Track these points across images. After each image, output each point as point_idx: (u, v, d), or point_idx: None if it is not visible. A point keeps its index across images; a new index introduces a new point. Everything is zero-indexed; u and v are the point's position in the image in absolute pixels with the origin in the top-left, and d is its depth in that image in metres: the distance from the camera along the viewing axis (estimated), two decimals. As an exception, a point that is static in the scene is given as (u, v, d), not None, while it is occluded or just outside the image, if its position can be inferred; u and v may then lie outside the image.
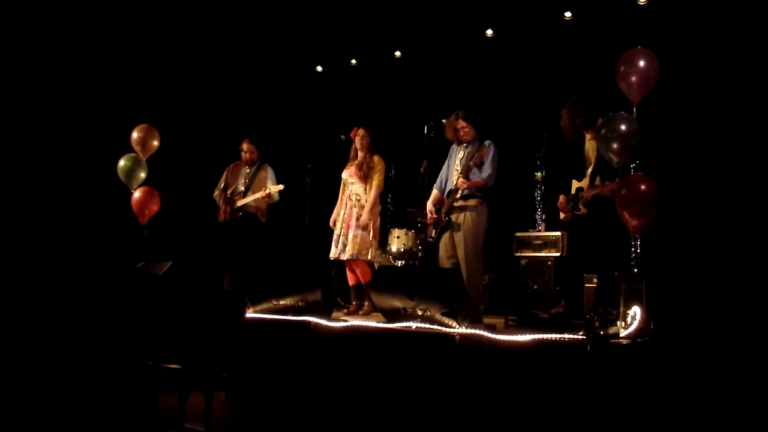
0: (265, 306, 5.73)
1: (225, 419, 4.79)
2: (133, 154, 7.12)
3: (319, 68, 8.61)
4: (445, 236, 5.71)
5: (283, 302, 5.69)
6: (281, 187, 6.67)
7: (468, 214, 5.63)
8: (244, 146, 7.00)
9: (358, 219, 6.09)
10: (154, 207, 7.09)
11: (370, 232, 6.15)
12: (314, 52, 8.48)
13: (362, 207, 6.10)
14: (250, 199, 6.81)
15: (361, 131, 6.18)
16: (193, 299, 5.44)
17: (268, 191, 6.71)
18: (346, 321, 5.20)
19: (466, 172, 5.65)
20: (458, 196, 5.63)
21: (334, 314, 5.75)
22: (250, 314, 5.66)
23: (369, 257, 6.17)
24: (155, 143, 7.16)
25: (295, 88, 8.79)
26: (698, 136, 5.59)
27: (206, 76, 8.60)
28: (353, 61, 8.30)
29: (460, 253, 5.61)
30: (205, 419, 4.38)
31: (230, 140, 7.57)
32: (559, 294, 5.79)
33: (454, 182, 5.71)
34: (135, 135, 7.11)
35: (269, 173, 7.01)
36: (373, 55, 8.10)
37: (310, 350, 5.07)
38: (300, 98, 8.83)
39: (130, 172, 7.08)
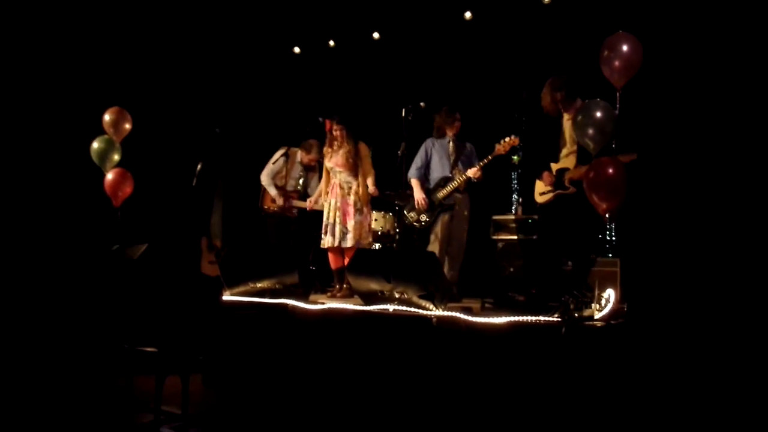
0: (241, 289, 5.72)
1: (201, 402, 4.79)
2: (106, 137, 7.07)
3: (297, 50, 8.55)
4: (443, 221, 6.00)
5: (260, 285, 5.69)
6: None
7: (465, 201, 6.06)
8: (315, 150, 6.81)
9: (356, 205, 6.15)
10: (128, 189, 7.04)
11: (367, 217, 6.25)
12: (291, 34, 8.41)
13: (357, 194, 6.17)
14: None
15: (336, 125, 6.21)
16: (169, 282, 5.44)
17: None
18: (323, 303, 5.21)
19: (465, 164, 6.04)
20: (460, 186, 5.98)
21: (312, 297, 5.76)
22: (226, 297, 5.65)
23: (368, 240, 6.27)
24: (127, 126, 7.11)
25: (271, 69, 8.72)
26: (679, 121, 5.66)
27: (180, 57, 8.50)
28: (331, 43, 8.25)
29: (459, 237, 6.01)
30: (181, 402, 4.40)
31: (204, 122, 7.52)
32: (535, 277, 5.84)
33: (451, 172, 6.04)
34: (107, 117, 7.06)
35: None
36: (351, 37, 8.06)
37: (287, 333, 5.08)
38: (277, 80, 8.76)
39: (104, 154, 7.04)
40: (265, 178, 6.87)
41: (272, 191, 6.84)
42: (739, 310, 4.59)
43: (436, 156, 6.13)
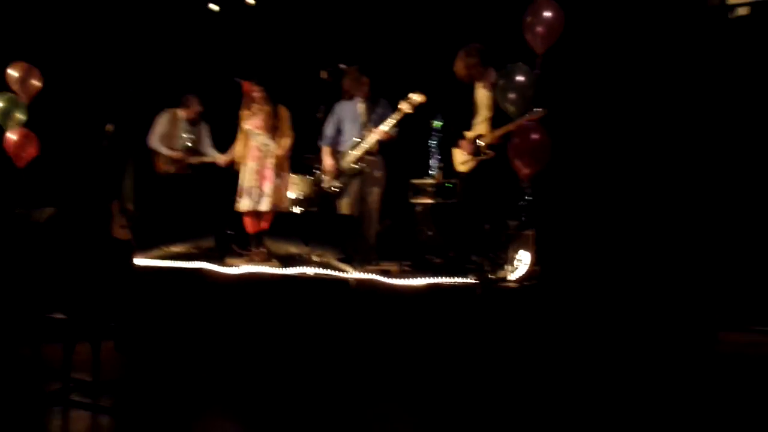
0: (155, 253, 5.62)
1: (114, 369, 4.69)
2: (10, 94, 6.73)
3: (215, 7, 8.29)
4: (354, 185, 5.93)
5: (174, 249, 5.61)
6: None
7: (378, 163, 5.96)
8: (195, 104, 6.71)
9: (275, 169, 6.06)
10: (32, 150, 6.76)
11: (285, 180, 6.18)
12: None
13: (276, 157, 6.07)
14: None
15: (254, 87, 6.10)
16: (78, 247, 5.27)
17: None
18: (239, 267, 5.16)
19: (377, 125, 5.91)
20: (371, 149, 5.87)
21: (228, 261, 5.71)
22: (139, 261, 5.53)
23: (286, 204, 6.21)
24: (36, 83, 6.76)
25: (188, 28, 8.43)
26: (599, 89, 5.78)
27: (94, 13, 8.10)
28: (250, 0, 8.04)
29: (372, 201, 5.92)
30: (92, 369, 4.30)
31: (117, 82, 7.23)
32: (452, 240, 5.94)
33: (362, 136, 5.92)
34: (12, 73, 6.68)
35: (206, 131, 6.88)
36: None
37: (202, 298, 5.03)
38: (193, 39, 8.48)
39: (6, 113, 6.72)
40: (153, 142, 6.69)
41: (165, 151, 6.66)
42: (643, 273, 4.79)
43: (347, 120, 6.05)
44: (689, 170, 5.13)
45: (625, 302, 4.29)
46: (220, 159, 6.56)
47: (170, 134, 6.70)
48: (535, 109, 4.82)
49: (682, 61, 5.31)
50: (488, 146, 5.28)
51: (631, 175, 5.51)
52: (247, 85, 6.16)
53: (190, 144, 6.71)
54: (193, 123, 6.77)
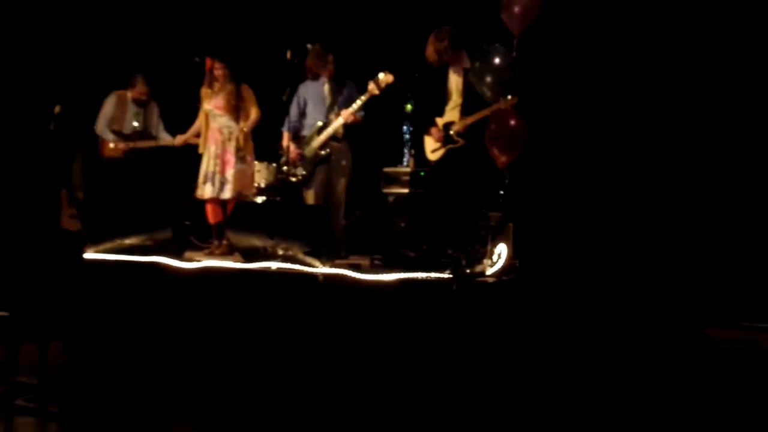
0: (107, 245, 5.57)
1: (62, 372, 4.63)
2: None
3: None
4: (320, 173, 5.92)
5: (128, 241, 5.57)
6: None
7: (344, 150, 5.96)
8: (140, 84, 6.66)
9: (238, 153, 6.00)
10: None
11: (250, 166, 6.13)
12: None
13: (238, 140, 6.03)
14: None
15: (217, 64, 6.05)
16: (23, 239, 5.19)
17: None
18: (199, 261, 5.12)
19: (343, 107, 5.89)
20: (336, 133, 5.87)
21: (187, 254, 5.66)
22: (90, 255, 5.46)
23: (251, 192, 6.17)
24: None
25: (145, 2, 8.28)
26: (579, 72, 5.80)
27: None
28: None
29: (339, 190, 5.92)
30: (38, 372, 4.24)
31: (64, 61, 7.06)
32: (426, 232, 5.93)
33: (327, 119, 5.91)
34: None
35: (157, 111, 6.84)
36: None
37: (159, 294, 4.98)
38: (151, 13, 8.33)
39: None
40: (99, 127, 6.66)
41: (109, 136, 6.62)
42: (628, 268, 4.83)
43: (311, 102, 6.02)
44: (676, 160, 5.18)
45: (610, 298, 4.33)
46: (174, 140, 6.50)
47: (118, 117, 6.65)
48: (504, 98, 4.87)
49: (666, 41, 5.35)
50: (458, 134, 5.32)
51: (615, 163, 5.54)
52: (209, 62, 6.09)
53: (136, 124, 6.65)
54: (141, 104, 6.72)
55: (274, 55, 6.41)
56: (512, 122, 4.79)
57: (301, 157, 5.97)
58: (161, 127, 6.73)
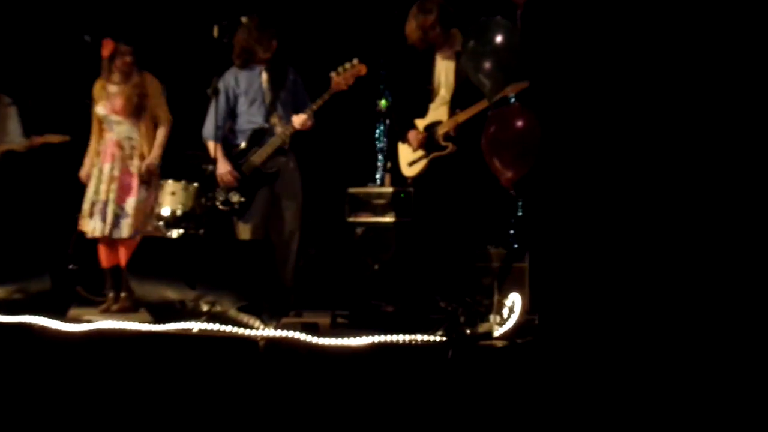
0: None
1: None
2: None
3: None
4: (261, 198, 5.96)
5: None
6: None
7: (293, 165, 6.05)
8: None
9: (142, 176, 6.10)
10: None
11: (154, 192, 6.26)
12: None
13: (142, 157, 6.14)
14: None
15: (122, 47, 6.11)
16: None
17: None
18: (90, 322, 5.10)
19: (292, 105, 6.00)
20: (284, 143, 5.95)
21: (73, 312, 5.67)
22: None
23: (155, 225, 6.31)
24: None
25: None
26: (606, 52, 5.85)
27: None
28: None
29: (288, 220, 6.01)
30: None
31: None
32: (410, 276, 5.94)
33: (268, 121, 5.99)
34: None
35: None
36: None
37: (32, 365, 4.92)
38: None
39: None
40: None
41: None
42: (684, 321, 4.85)
43: (243, 97, 6.07)
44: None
45: (660, 365, 4.32)
46: (24, 143, 6.67)
47: None
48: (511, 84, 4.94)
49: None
50: (447, 137, 5.38)
51: (666, 172, 5.58)
52: (110, 46, 6.07)
53: None
54: None
55: (194, 32, 6.43)
56: (519, 123, 4.82)
57: (237, 176, 5.96)
58: (17, 130, 6.81)
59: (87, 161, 6.38)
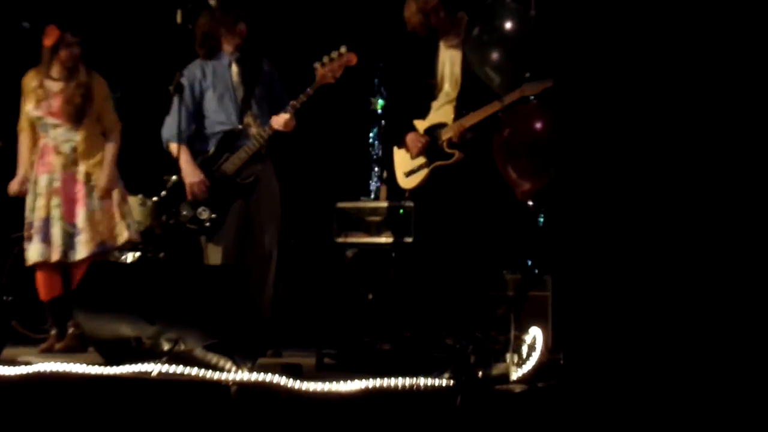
0: None
1: None
2: None
3: None
4: (236, 213, 6.00)
5: None
6: None
7: (271, 174, 6.12)
8: None
9: (88, 182, 6.15)
10: None
11: (114, 201, 6.24)
12: None
13: (93, 166, 6.16)
14: None
15: (68, 38, 6.13)
16: None
17: None
18: (28, 364, 5.06)
19: (268, 102, 6.06)
20: (262, 148, 5.99)
21: (7, 352, 5.68)
22: None
23: (122, 241, 6.28)
24: None
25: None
26: (639, 41, 5.86)
27: None
28: None
29: (266, 241, 6.04)
30: None
31: None
32: (410, 308, 5.95)
33: (241, 121, 6.04)
34: None
35: None
36: None
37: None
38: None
39: None
40: None
41: None
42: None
43: (211, 92, 6.10)
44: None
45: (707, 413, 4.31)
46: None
47: None
48: (530, 83, 4.97)
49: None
50: (452, 144, 5.41)
51: (714, 185, 5.58)
52: (53, 34, 6.08)
53: None
54: None
55: (153, 17, 6.43)
56: (538, 125, 4.82)
57: (207, 186, 5.95)
58: None
59: (20, 171, 6.37)
